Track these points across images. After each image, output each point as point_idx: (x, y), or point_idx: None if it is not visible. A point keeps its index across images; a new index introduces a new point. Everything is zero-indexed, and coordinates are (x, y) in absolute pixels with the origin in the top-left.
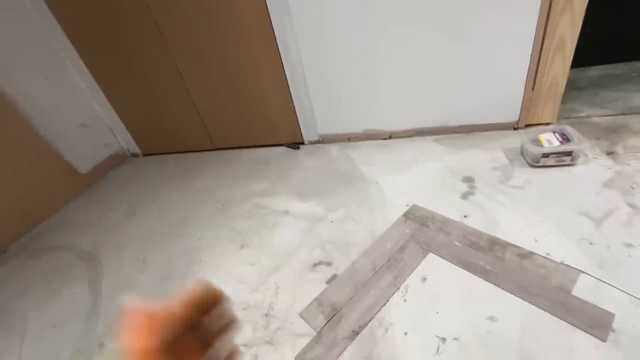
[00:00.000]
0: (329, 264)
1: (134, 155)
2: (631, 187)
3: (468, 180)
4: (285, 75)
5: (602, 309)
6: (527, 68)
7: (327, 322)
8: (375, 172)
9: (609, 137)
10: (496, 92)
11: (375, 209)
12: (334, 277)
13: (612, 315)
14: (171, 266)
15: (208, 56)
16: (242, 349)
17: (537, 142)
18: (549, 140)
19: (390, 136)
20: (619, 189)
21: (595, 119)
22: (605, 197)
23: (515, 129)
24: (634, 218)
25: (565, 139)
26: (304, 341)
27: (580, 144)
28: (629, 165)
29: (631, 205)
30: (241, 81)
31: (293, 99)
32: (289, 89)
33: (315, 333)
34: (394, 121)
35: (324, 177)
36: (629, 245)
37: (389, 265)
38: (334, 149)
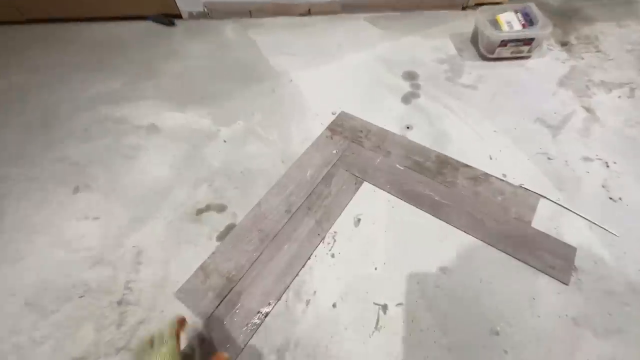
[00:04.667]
0: (221, 208)
1: None
2: (586, 86)
3: (410, 76)
4: None
5: (564, 243)
6: None
7: (220, 302)
8: (290, 64)
9: (562, 24)
10: None
11: (289, 120)
12: (229, 228)
13: (574, 250)
14: None
15: None
16: None
17: (496, 24)
18: (510, 22)
19: (309, 10)
20: (574, 88)
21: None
22: (561, 98)
23: (464, 8)
24: (590, 125)
25: (528, 21)
26: (183, 339)
27: (545, 29)
28: (582, 59)
29: (587, 109)
30: None
31: None
32: None
33: (200, 322)
34: None
35: (213, 71)
36: (587, 158)
37: (310, 204)
38: (227, 28)
